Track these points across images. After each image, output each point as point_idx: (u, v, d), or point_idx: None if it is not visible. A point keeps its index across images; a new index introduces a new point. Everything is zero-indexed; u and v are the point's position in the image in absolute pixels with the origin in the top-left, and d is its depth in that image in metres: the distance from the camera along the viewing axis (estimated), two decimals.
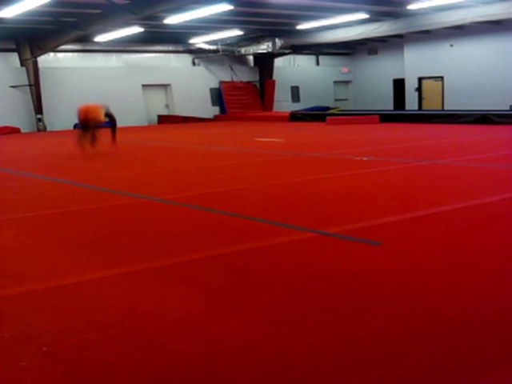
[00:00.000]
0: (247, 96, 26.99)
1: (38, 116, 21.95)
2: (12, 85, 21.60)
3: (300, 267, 3.29)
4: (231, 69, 26.84)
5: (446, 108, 23.41)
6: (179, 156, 10.56)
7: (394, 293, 2.81)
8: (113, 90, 23.55)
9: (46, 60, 22.11)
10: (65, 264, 3.59)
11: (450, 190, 5.68)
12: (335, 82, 29.56)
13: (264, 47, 24.15)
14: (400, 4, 17.91)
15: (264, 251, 3.68)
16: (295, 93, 28.67)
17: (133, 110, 24.23)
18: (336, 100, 29.19)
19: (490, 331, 2.32)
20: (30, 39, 20.93)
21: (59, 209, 5.39)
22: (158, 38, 23.25)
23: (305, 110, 24.99)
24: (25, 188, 6.97)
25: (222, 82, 26.56)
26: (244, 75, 27.31)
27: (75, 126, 22.56)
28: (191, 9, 16.34)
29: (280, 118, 22.81)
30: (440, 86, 24.09)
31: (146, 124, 24.71)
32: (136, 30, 19.67)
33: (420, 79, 24.86)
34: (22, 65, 21.81)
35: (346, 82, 29.85)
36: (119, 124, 23.64)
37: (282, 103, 27.55)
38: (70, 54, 23.12)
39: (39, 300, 2.94)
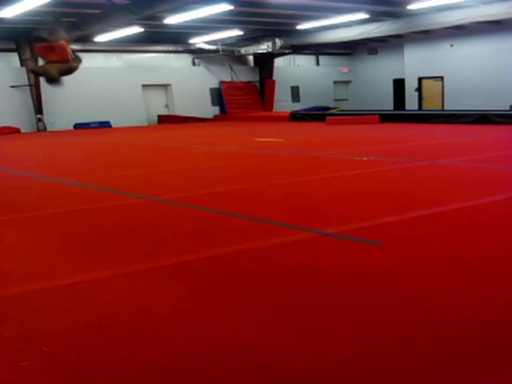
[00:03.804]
0: (247, 96, 27.00)
1: (38, 116, 21.96)
2: (12, 85, 21.61)
3: (300, 267, 3.29)
4: (231, 69, 26.85)
5: (446, 108, 23.42)
6: (179, 156, 10.56)
7: (393, 293, 2.81)
8: (113, 89, 23.57)
9: None
10: (65, 264, 3.59)
11: (449, 190, 5.68)
12: (335, 82, 29.57)
13: (264, 47, 24.16)
14: (400, 4, 17.91)
15: (264, 251, 3.68)
16: (295, 93, 28.68)
17: (133, 110, 24.25)
18: (336, 100, 29.21)
19: (490, 331, 2.32)
20: (29, 39, 20.92)
21: (59, 209, 5.39)
22: (158, 38, 23.25)
23: (305, 109, 25.00)
24: (25, 188, 6.97)
25: (222, 82, 26.57)
26: (244, 75, 27.31)
27: (75, 126, 22.63)
28: (191, 9, 16.34)
29: (280, 118, 22.81)
30: (440, 86, 24.09)
31: (145, 124, 24.71)
32: (136, 29, 19.68)
33: (420, 79, 24.86)
34: (22, 65, 21.81)
35: (346, 82, 29.85)
36: (119, 123, 23.77)
37: (282, 103, 27.56)
38: None
39: (39, 300, 2.94)
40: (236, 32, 21.99)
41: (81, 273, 3.34)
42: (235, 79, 26.99)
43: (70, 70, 6.72)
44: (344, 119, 19.22)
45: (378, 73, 27.54)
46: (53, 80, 6.27)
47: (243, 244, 3.87)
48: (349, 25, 20.94)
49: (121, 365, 2.17)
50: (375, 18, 20.08)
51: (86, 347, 2.32)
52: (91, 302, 2.86)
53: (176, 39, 23.98)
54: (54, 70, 6.62)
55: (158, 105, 25.47)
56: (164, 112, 25.55)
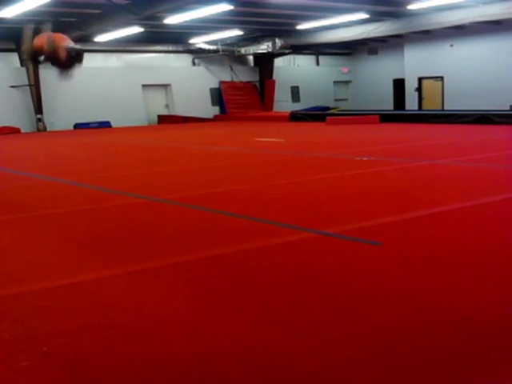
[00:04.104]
0: (247, 96, 27.00)
1: (38, 116, 21.96)
2: (12, 85, 21.61)
3: (300, 267, 3.29)
4: (231, 69, 26.86)
5: (446, 108, 23.42)
6: (179, 156, 10.56)
7: (393, 293, 2.81)
8: (113, 89, 23.57)
9: None
10: (65, 264, 3.59)
11: (449, 189, 5.68)
12: (335, 82, 29.57)
13: (264, 47, 24.17)
14: (400, 4, 17.92)
15: (264, 251, 3.68)
16: (295, 93, 28.68)
17: (133, 110, 24.25)
18: (336, 100, 29.21)
19: (490, 331, 2.32)
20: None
21: (59, 209, 5.39)
22: (158, 38, 23.25)
23: (305, 109, 25.01)
24: (25, 188, 6.97)
25: (222, 82, 26.57)
26: (244, 75, 27.32)
27: (75, 126, 22.62)
28: (191, 9, 16.35)
29: (280, 118, 22.81)
30: (440, 86, 24.10)
31: (146, 124, 24.72)
32: (136, 29, 19.68)
33: (420, 79, 24.87)
34: (22, 65, 21.81)
35: (346, 82, 29.86)
36: (119, 123, 23.78)
37: (282, 103, 27.56)
38: None
39: (39, 300, 2.94)
40: (236, 32, 22.00)
41: (81, 273, 3.34)
42: (235, 79, 26.99)
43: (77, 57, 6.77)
44: (344, 119, 19.22)
45: (378, 73, 27.55)
46: (64, 63, 6.40)
47: (243, 244, 3.87)
48: (349, 25, 20.94)
49: (121, 365, 2.17)
50: (375, 17, 20.08)
51: (86, 347, 2.32)
52: (91, 302, 2.86)
53: (176, 39, 23.99)
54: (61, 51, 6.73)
55: (158, 105, 25.47)
56: (164, 112, 25.55)
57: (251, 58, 27.63)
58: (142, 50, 24.76)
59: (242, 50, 25.12)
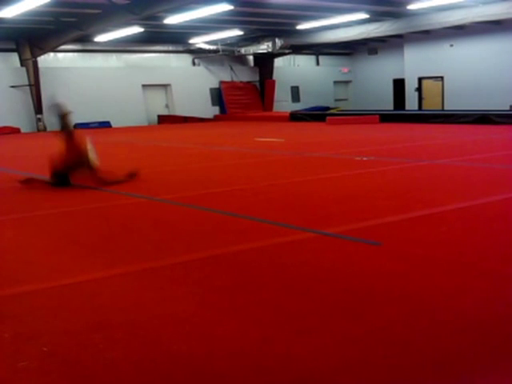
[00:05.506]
0: (247, 96, 26.99)
1: (38, 116, 21.95)
2: (12, 85, 21.61)
3: (300, 267, 3.29)
4: (231, 69, 26.85)
5: (446, 108, 23.41)
6: (179, 156, 10.56)
7: (393, 293, 2.81)
8: (113, 89, 23.56)
9: (46, 60, 22.12)
10: (65, 264, 3.60)
11: (449, 190, 5.68)
12: (335, 82, 29.57)
13: (264, 47, 24.16)
14: (400, 4, 17.91)
15: (264, 251, 3.68)
16: (295, 93, 28.68)
17: (133, 110, 24.24)
18: (336, 100, 29.20)
19: (490, 331, 2.32)
20: (29, 39, 20.93)
21: (59, 208, 5.39)
22: (158, 38, 23.25)
23: (305, 109, 24.99)
24: (24, 188, 6.97)
25: (222, 82, 26.57)
26: (244, 75, 27.31)
27: (75, 126, 22.60)
28: (191, 9, 16.35)
29: (280, 118, 22.81)
30: (440, 86, 24.09)
31: (146, 124, 24.70)
32: (136, 29, 19.67)
33: (420, 79, 24.87)
34: (22, 65, 21.81)
35: (346, 82, 29.85)
36: (119, 123, 23.76)
37: (282, 103, 27.55)
38: (70, 54, 23.13)
39: (39, 300, 2.94)
40: (236, 32, 21.99)
41: (81, 273, 3.34)
42: (235, 79, 26.98)
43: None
44: (344, 119, 19.22)
45: (378, 73, 27.55)
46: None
47: (243, 244, 3.87)
48: (349, 25, 20.93)
49: (121, 365, 2.17)
50: (375, 17, 20.08)
51: (86, 347, 2.32)
52: (91, 302, 2.86)
53: (176, 39, 23.98)
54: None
55: (157, 105, 25.46)
56: (164, 112, 25.54)
57: (251, 58, 27.63)
58: (142, 50, 24.76)
59: (242, 50, 25.11)
